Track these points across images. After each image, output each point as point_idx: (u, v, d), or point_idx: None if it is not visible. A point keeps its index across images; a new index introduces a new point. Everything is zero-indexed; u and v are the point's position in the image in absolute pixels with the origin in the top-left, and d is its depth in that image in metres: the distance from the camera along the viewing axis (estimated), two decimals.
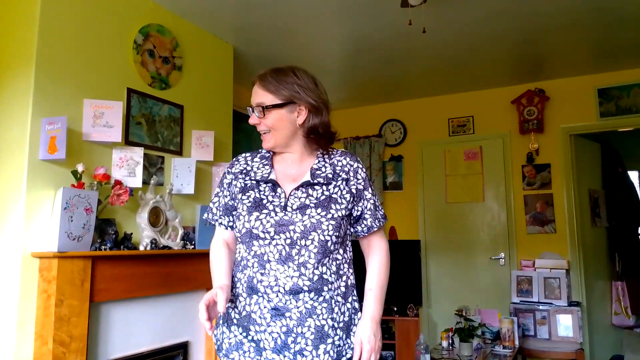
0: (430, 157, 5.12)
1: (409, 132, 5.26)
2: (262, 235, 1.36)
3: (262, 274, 1.35)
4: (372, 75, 4.53)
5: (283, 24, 3.44)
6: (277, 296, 1.33)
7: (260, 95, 1.43)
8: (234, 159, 1.54)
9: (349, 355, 1.38)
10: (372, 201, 1.48)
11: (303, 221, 1.36)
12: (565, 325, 4.02)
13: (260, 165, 1.48)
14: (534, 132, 4.60)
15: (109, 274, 2.47)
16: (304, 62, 4.12)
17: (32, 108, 2.35)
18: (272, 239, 1.35)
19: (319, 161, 1.48)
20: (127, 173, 2.70)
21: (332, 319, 1.35)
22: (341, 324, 1.37)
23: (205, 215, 1.55)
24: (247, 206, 1.40)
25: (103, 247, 2.48)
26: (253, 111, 1.45)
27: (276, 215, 1.37)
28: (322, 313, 1.34)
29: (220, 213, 1.50)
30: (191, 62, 3.34)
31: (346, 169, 1.47)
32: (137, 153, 2.76)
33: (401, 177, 5.24)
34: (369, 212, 1.47)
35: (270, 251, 1.35)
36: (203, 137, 3.24)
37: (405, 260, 4.73)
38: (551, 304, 4.11)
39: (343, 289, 1.40)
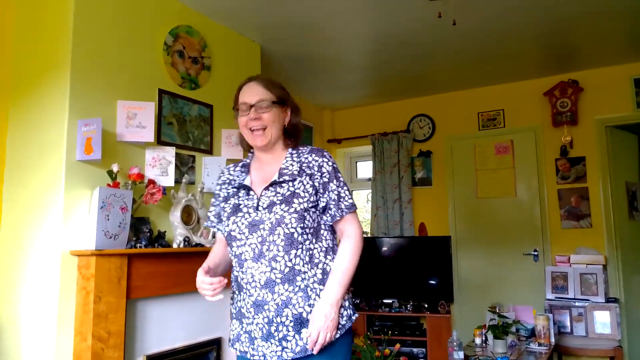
0: (460, 152, 5.05)
1: (437, 127, 5.20)
2: (238, 236, 1.52)
3: (242, 272, 1.51)
4: (399, 70, 4.49)
5: (308, 20, 3.45)
6: (256, 291, 1.48)
7: (261, 93, 1.59)
8: (221, 172, 1.73)
9: (337, 335, 1.49)
10: (336, 192, 1.57)
11: (270, 218, 1.49)
12: (603, 322, 3.92)
13: (239, 174, 1.65)
14: (567, 125, 4.48)
15: (144, 271, 2.53)
16: (330, 58, 4.11)
17: (68, 110, 2.41)
18: (247, 238, 1.50)
19: (286, 160, 1.61)
20: (159, 172, 2.75)
21: (309, 305, 1.47)
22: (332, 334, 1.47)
23: (205, 222, 1.74)
24: (228, 212, 1.57)
25: (138, 245, 2.53)
26: (251, 108, 1.57)
27: (249, 216, 1.52)
28: (297, 302, 1.46)
29: (215, 220, 1.68)
30: (219, 62, 3.38)
31: (311, 164, 1.58)
32: (169, 153, 2.81)
33: (430, 172, 5.18)
34: (332, 202, 1.56)
35: (245, 250, 1.50)
36: (232, 135, 3.27)
37: (436, 256, 4.68)
38: (588, 300, 4.01)
39: (320, 276, 1.50)
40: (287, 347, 1.46)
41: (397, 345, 4.16)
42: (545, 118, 4.63)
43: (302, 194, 1.52)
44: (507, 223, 4.74)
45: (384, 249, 4.85)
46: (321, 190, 1.55)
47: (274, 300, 1.46)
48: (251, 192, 1.57)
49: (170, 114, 2.95)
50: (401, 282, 4.73)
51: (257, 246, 1.48)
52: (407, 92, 5.19)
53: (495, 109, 4.90)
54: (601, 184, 4.36)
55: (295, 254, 1.47)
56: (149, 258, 2.56)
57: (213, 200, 1.70)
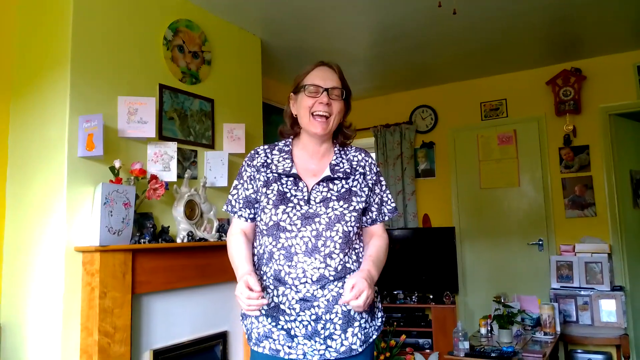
0: (463, 143, 5.03)
1: (440, 118, 5.18)
2: (289, 227, 1.41)
3: (289, 266, 1.39)
4: (401, 61, 4.47)
5: (309, 13, 3.43)
6: (305, 287, 1.38)
7: (336, 81, 1.50)
8: (253, 152, 1.55)
9: (374, 336, 1.48)
10: (380, 196, 1.56)
11: (327, 213, 1.42)
12: (609, 310, 3.91)
13: (281, 159, 1.51)
14: (570, 114, 4.46)
15: (148, 266, 2.53)
16: (332, 51, 4.10)
17: (69, 107, 2.41)
18: (299, 231, 1.40)
19: (337, 157, 1.54)
20: (162, 168, 2.76)
21: (336, 300, 1.41)
22: (367, 308, 1.40)
23: (225, 207, 1.57)
24: (273, 199, 1.44)
25: (142, 240, 2.53)
26: (323, 92, 1.47)
27: (301, 208, 1.42)
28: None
29: (240, 205, 1.52)
30: (220, 56, 3.37)
31: (362, 164, 1.55)
32: (171, 148, 2.81)
33: (433, 163, 5.17)
34: (375, 206, 1.55)
35: (297, 243, 1.40)
36: (234, 129, 3.27)
37: (440, 247, 4.68)
38: (593, 289, 4.00)
39: None
40: (331, 347, 1.40)
41: (403, 336, 4.17)
42: (548, 107, 4.60)
43: (359, 193, 1.49)
44: (511, 213, 4.73)
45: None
46: (370, 192, 1.53)
47: (325, 296, 1.39)
48: (300, 183, 1.46)
49: (171, 109, 2.95)
50: (406, 273, 4.73)
51: (310, 240, 1.39)
52: (409, 84, 5.16)
53: (497, 98, 4.87)
54: (605, 172, 4.34)
55: (348, 252, 1.44)
56: (153, 253, 2.57)
57: (237, 183, 1.55)
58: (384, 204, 1.57)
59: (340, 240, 1.41)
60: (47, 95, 2.51)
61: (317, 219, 1.41)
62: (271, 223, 1.43)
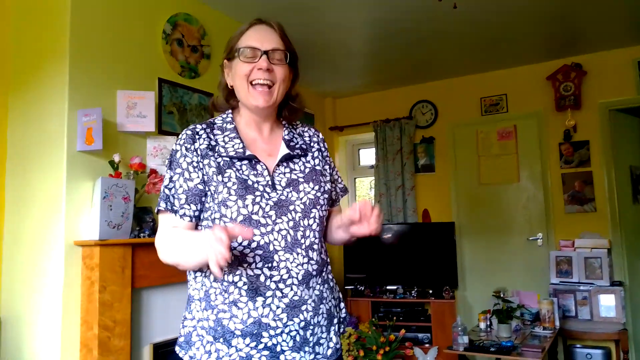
0: (463, 138, 5.03)
1: (440, 113, 5.17)
2: (262, 220, 1.15)
3: (270, 268, 1.14)
4: (400, 56, 4.46)
5: (309, 7, 3.42)
6: (292, 289, 1.15)
7: (277, 42, 1.25)
8: (190, 133, 1.23)
9: (342, 316, 1.31)
10: (333, 175, 1.38)
11: (301, 199, 1.21)
12: (608, 305, 3.92)
13: (227, 139, 1.23)
14: (570, 109, 4.45)
15: (148, 260, 2.53)
16: (331, 45, 4.08)
17: (68, 101, 2.40)
18: (274, 223, 1.16)
19: (288, 132, 1.32)
20: (161, 162, 2.75)
21: (334, 298, 1.28)
22: (337, 299, 1.30)
23: (160, 206, 1.20)
24: (234, 189, 1.16)
25: (142, 234, 2.53)
26: (261, 55, 1.21)
27: (269, 196, 1.18)
28: (327, 296, 1.24)
29: (183, 201, 1.18)
30: (219, 50, 3.36)
31: (315, 139, 1.36)
32: (170, 142, 2.80)
33: (433, 159, 5.17)
34: (333, 185, 1.37)
35: (274, 239, 1.15)
36: None
37: (440, 242, 4.68)
38: (592, 284, 4.00)
39: (330, 265, 1.32)
40: (319, 354, 1.20)
41: (402, 331, 4.19)
42: (548, 102, 4.59)
43: (323, 172, 1.31)
44: (511, 208, 4.73)
45: (388, 235, 4.85)
46: (330, 170, 1.36)
47: (311, 297, 1.18)
48: (259, 166, 1.21)
49: (170, 103, 2.94)
50: (405, 268, 4.74)
51: (288, 232, 1.17)
52: (409, 79, 5.15)
53: (497, 94, 4.86)
54: (605, 168, 4.33)
55: (323, 241, 1.27)
56: (152, 247, 2.54)
57: (172, 174, 1.20)
58: (337, 183, 1.39)
59: (318, 228, 1.22)
60: (45, 89, 2.50)
61: (291, 207, 1.19)
62: (240, 218, 1.14)
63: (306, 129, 1.39)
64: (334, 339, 1.25)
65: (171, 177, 1.20)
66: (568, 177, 4.47)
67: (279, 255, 1.15)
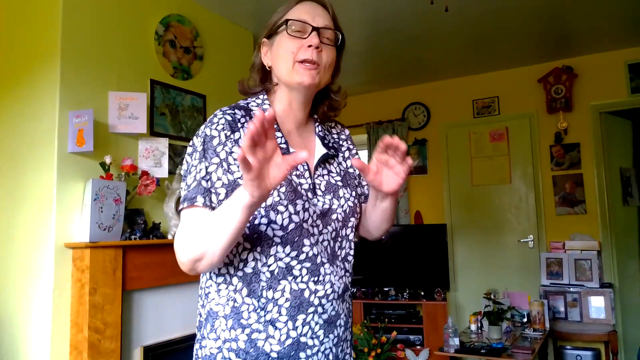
0: (455, 140, 5.05)
1: (432, 114, 5.19)
2: (312, 230, 1.02)
3: (315, 282, 1.01)
4: (393, 58, 4.47)
5: None
6: (332, 305, 1.04)
7: (328, 21, 1.11)
8: (228, 117, 1.03)
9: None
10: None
11: (342, 206, 1.08)
12: (597, 307, 3.95)
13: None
14: (562, 111, 4.48)
15: (139, 262, 2.52)
16: None
17: (59, 102, 2.39)
18: (321, 233, 1.04)
19: (321, 127, 1.17)
20: (153, 163, 2.74)
21: (350, 310, 1.13)
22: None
23: (200, 199, 0.96)
24: (283, 192, 0.99)
25: (133, 236, 2.52)
26: (316, 32, 1.06)
27: (311, 202, 1.04)
28: (350, 308, 1.13)
29: (222, 197, 0.97)
30: (212, 51, 3.35)
31: (343, 136, 1.23)
32: (162, 143, 2.79)
33: (426, 160, 5.19)
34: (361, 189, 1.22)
35: (321, 251, 1.03)
36: None
37: (432, 244, 4.70)
38: (582, 285, 4.04)
39: None
40: None
41: (394, 333, 4.20)
42: (539, 105, 4.62)
43: (354, 174, 1.17)
44: (503, 210, 4.76)
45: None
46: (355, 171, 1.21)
47: (344, 310, 1.08)
48: (300, 167, 1.06)
49: (162, 105, 2.93)
50: (398, 270, 4.75)
51: (329, 243, 1.06)
52: (402, 80, 5.17)
53: (489, 96, 4.89)
54: (595, 170, 4.37)
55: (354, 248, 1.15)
56: (144, 249, 2.56)
57: (214, 162, 0.99)
58: (363, 187, 1.22)
59: (353, 238, 1.12)
60: (36, 89, 2.49)
61: (333, 216, 1.06)
62: (292, 226, 0.99)
63: (333, 124, 1.24)
64: (352, 354, 1.15)
65: (207, 168, 0.98)
66: (559, 179, 4.51)
67: (324, 268, 1.03)
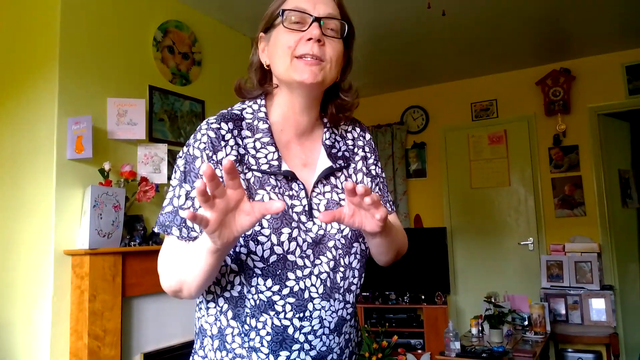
0: (454, 143, 5.05)
1: (431, 118, 5.19)
2: (300, 262, 0.89)
3: (301, 319, 0.90)
4: (391, 61, 4.48)
5: None
6: (321, 340, 0.92)
7: (332, 8, 0.95)
8: (211, 134, 0.91)
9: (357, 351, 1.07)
10: (381, 182, 1.08)
11: (342, 230, 0.94)
12: (598, 309, 3.94)
13: (259, 145, 0.93)
14: (560, 114, 4.49)
15: (139, 268, 2.52)
16: None
17: (57, 108, 2.39)
18: (314, 265, 0.91)
19: (330, 133, 1.01)
20: (152, 169, 2.74)
21: (357, 336, 1.04)
22: (359, 337, 1.08)
23: (175, 231, 0.89)
24: (267, 219, 0.88)
25: (132, 243, 2.52)
26: (317, 22, 0.91)
27: (305, 227, 0.91)
28: (353, 336, 1.01)
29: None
30: (210, 57, 3.36)
31: (360, 142, 1.06)
32: (161, 149, 2.79)
33: (424, 164, 5.19)
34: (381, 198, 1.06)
35: (312, 284, 0.90)
36: None
37: (431, 247, 4.69)
38: (583, 288, 4.03)
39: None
40: None
41: (395, 337, 4.18)
42: (538, 107, 4.63)
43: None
44: (502, 213, 4.76)
45: None
46: (372, 183, 1.05)
47: (339, 344, 0.95)
48: (295, 185, 0.93)
49: (161, 110, 2.93)
50: (398, 274, 4.74)
51: (328, 276, 0.92)
52: (400, 84, 5.18)
53: (488, 99, 4.89)
54: (594, 172, 4.37)
55: (362, 276, 1.00)
56: (143, 256, 2.55)
57: (187, 187, 0.90)
58: (385, 192, 1.09)
59: (358, 265, 0.97)
60: (35, 96, 2.49)
61: (330, 243, 0.92)
62: (273, 258, 0.88)
63: (350, 127, 1.07)
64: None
65: (187, 193, 0.89)
66: (558, 181, 4.51)
67: (313, 304, 0.90)
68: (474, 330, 3.54)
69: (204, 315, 0.97)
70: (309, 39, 0.90)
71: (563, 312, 4.04)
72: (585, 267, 4.10)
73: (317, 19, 0.91)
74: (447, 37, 3.94)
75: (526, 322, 3.68)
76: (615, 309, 3.97)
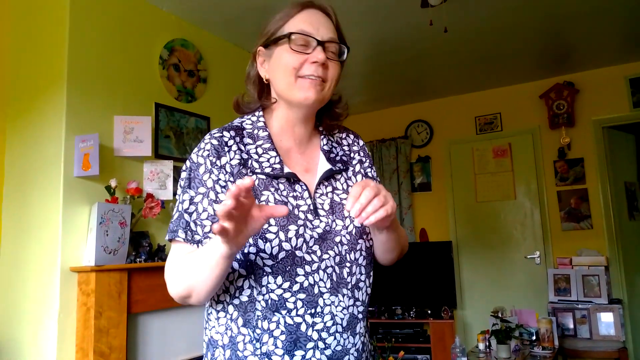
0: (458, 157, 5.06)
1: (435, 132, 5.21)
2: (307, 257, 0.94)
3: (313, 315, 0.92)
4: (395, 76, 4.51)
5: None
6: (335, 338, 0.94)
7: (333, 33, 1.03)
8: (214, 142, 0.98)
9: None
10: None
11: (347, 227, 0.99)
12: (607, 323, 3.90)
13: (260, 150, 0.99)
14: (564, 127, 4.49)
15: (144, 285, 2.52)
16: None
17: (65, 126, 2.42)
18: (321, 260, 0.95)
19: (327, 140, 1.09)
20: (158, 186, 2.76)
21: (370, 343, 1.05)
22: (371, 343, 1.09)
23: (181, 234, 0.94)
24: (274, 218, 0.92)
25: (138, 259, 2.53)
26: (321, 46, 0.98)
27: (311, 224, 0.95)
28: (367, 342, 1.02)
29: (208, 229, 0.93)
30: (215, 74, 3.39)
31: (355, 148, 1.13)
32: (167, 166, 2.81)
33: (429, 177, 5.19)
34: None
35: (321, 279, 0.94)
36: None
37: (437, 261, 4.67)
38: (591, 302, 3.99)
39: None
40: None
41: (401, 353, 4.14)
42: (542, 120, 4.64)
43: None
44: (508, 226, 4.74)
45: None
46: None
47: (355, 345, 0.96)
48: (298, 187, 0.98)
49: (167, 127, 2.96)
50: (404, 288, 4.72)
51: (334, 270, 0.96)
52: (404, 98, 5.20)
53: (492, 112, 4.91)
54: (600, 184, 4.36)
55: (370, 275, 1.04)
56: (149, 272, 2.56)
57: (201, 192, 0.95)
58: None
59: (364, 262, 1.01)
60: (43, 114, 2.52)
61: (337, 238, 0.97)
62: (282, 254, 0.92)
63: (344, 135, 1.14)
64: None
65: (191, 199, 0.95)
66: (564, 194, 4.49)
67: (323, 299, 0.94)
68: (481, 346, 3.51)
69: (214, 326, 0.98)
70: (314, 62, 0.97)
71: (571, 326, 4.00)
72: (592, 280, 4.07)
73: (321, 43, 0.98)
74: (451, 51, 3.96)
75: (534, 337, 3.65)
76: (623, 323, 3.93)
